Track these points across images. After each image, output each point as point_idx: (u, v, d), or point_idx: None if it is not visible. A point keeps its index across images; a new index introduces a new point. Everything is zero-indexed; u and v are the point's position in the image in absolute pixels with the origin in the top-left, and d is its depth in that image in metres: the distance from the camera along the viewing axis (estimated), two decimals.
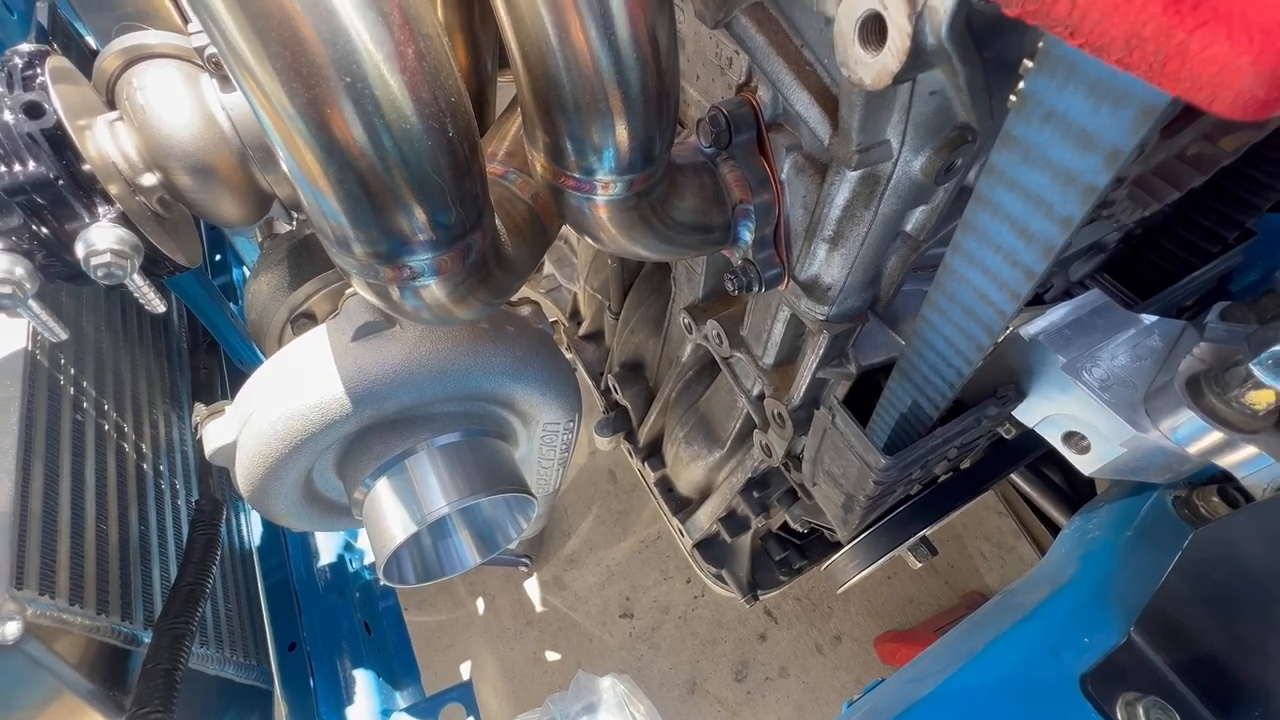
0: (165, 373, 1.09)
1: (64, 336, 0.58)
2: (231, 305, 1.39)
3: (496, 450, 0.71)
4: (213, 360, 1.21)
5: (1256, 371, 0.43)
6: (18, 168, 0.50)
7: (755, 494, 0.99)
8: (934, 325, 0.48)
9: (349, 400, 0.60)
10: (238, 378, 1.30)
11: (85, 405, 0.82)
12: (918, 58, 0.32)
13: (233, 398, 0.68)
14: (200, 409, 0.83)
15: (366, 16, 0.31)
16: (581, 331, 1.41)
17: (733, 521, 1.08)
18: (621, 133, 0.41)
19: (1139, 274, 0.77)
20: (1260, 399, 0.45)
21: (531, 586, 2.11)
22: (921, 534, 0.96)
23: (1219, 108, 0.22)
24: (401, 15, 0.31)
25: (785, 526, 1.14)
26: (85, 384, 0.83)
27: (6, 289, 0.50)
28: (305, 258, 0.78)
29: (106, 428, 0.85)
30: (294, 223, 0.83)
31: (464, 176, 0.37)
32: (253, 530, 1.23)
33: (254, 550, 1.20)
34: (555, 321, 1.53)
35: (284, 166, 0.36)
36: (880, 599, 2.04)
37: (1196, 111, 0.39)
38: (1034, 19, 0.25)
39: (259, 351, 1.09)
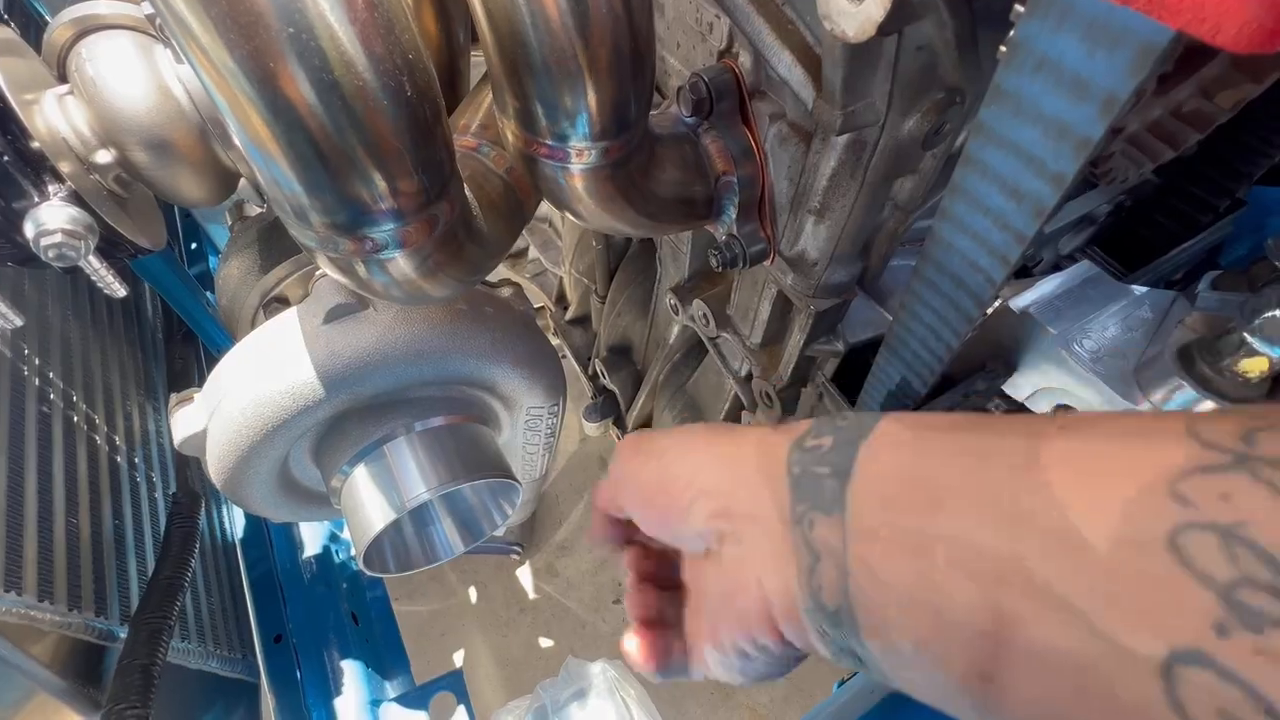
0: (139, 363, 1.07)
1: (19, 323, 0.55)
2: (208, 294, 1.35)
3: (479, 435, 0.70)
4: (189, 350, 1.18)
5: (1250, 338, 0.42)
6: None
7: None
8: (922, 298, 0.46)
9: (321, 384, 0.58)
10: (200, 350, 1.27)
11: (52, 396, 0.79)
12: (903, 7, 0.30)
13: (194, 372, 0.66)
14: (175, 399, 0.80)
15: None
16: (568, 316, 1.39)
17: None
18: (593, 95, 0.39)
19: (1129, 247, 0.76)
20: (1253, 366, 0.44)
21: (524, 574, 2.11)
22: None
23: (1223, 40, 0.20)
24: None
25: None
26: (52, 374, 0.80)
27: None
28: (276, 240, 0.75)
29: (76, 419, 0.83)
30: (264, 205, 0.80)
31: (426, 141, 0.35)
32: (235, 522, 1.21)
33: (236, 542, 1.18)
34: (541, 307, 1.51)
35: (232, 133, 0.34)
36: None
37: (1194, 63, 0.37)
38: None
39: (228, 326, 1.06)
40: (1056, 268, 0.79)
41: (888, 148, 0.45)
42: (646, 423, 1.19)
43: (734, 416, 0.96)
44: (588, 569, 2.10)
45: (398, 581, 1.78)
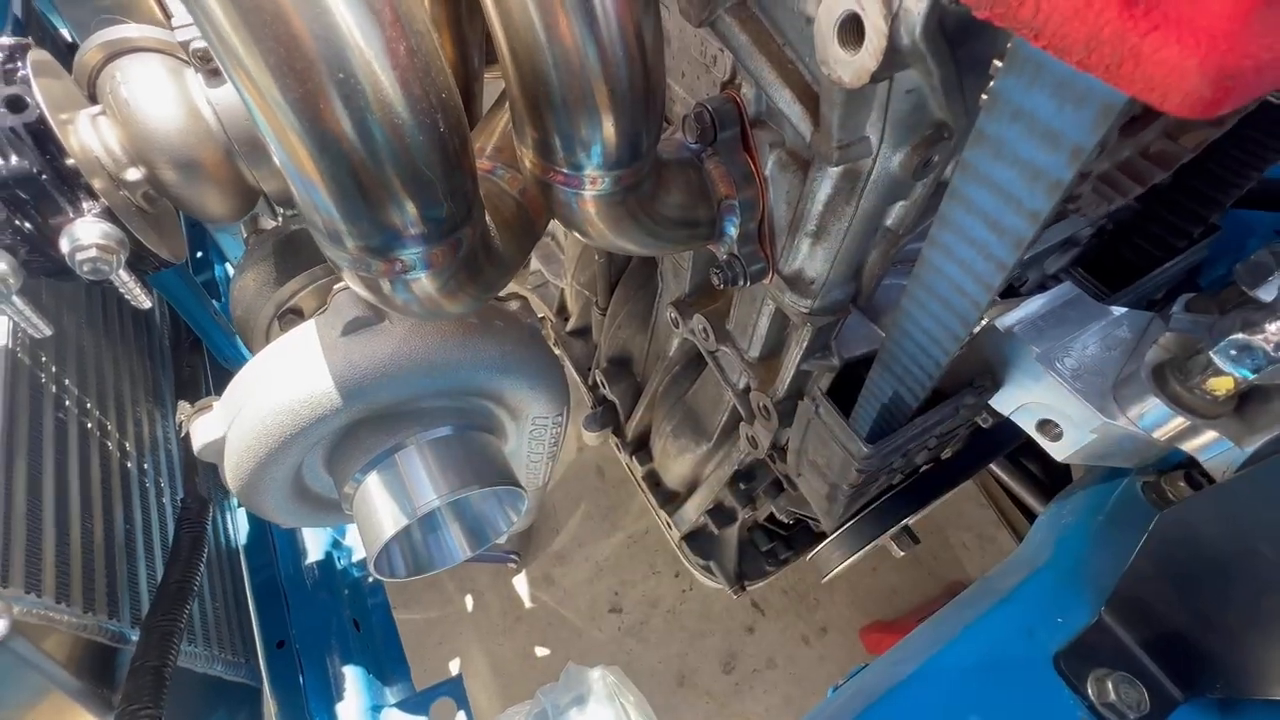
0: (148, 370, 1.08)
1: (48, 333, 0.58)
2: (214, 302, 1.37)
3: (486, 444, 0.72)
4: (196, 358, 1.20)
5: (1216, 359, 0.46)
6: (0, 162, 0.50)
7: (741, 486, 1.00)
8: (913, 317, 0.49)
9: (339, 394, 0.60)
10: (222, 375, 1.30)
11: (68, 403, 0.81)
12: (894, 57, 0.34)
13: (218, 395, 0.68)
14: (184, 406, 0.83)
15: (357, 13, 0.31)
16: (569, 327, 1.41)
17: (720, 513, 1.10)
18: (609, 129, 0.42)
19: (1111, 267, 0.80)
20: (1220, 385, 0.47)
21: (520, 583, 2.11)
22: (904, 523, 0.98)
23: (1170, 107, 0.23)
24: (392, 12, 0.32)
25: (771, 518, 1.16)
26: (67, 381, 0.82)
27: (10, 282, 0.50)
28: (291, 254, 0.78)
29: (90, 425, 0.84)
30: (279, 218, 0.82)
31: (455, 171, 0.38)
32: (239, 528, 1.23)
33: (240, 548, 1.20)
34: (543, 318, 1.53)
35: (277, 161, 0.36)
36: (865, 590, 2.07)
37: (1156, 110, 0.41)
38: (1001, 21, 0.27)
39: (244, 348, 1.08)
40: (1042, 287, 0.82)
41: (880, 178, 0.48)
42: (645, 433, 1.21)
43: (732, 427, 0.99)
44: (584, 578, 2.11)
45: (395, 589, 1.79)
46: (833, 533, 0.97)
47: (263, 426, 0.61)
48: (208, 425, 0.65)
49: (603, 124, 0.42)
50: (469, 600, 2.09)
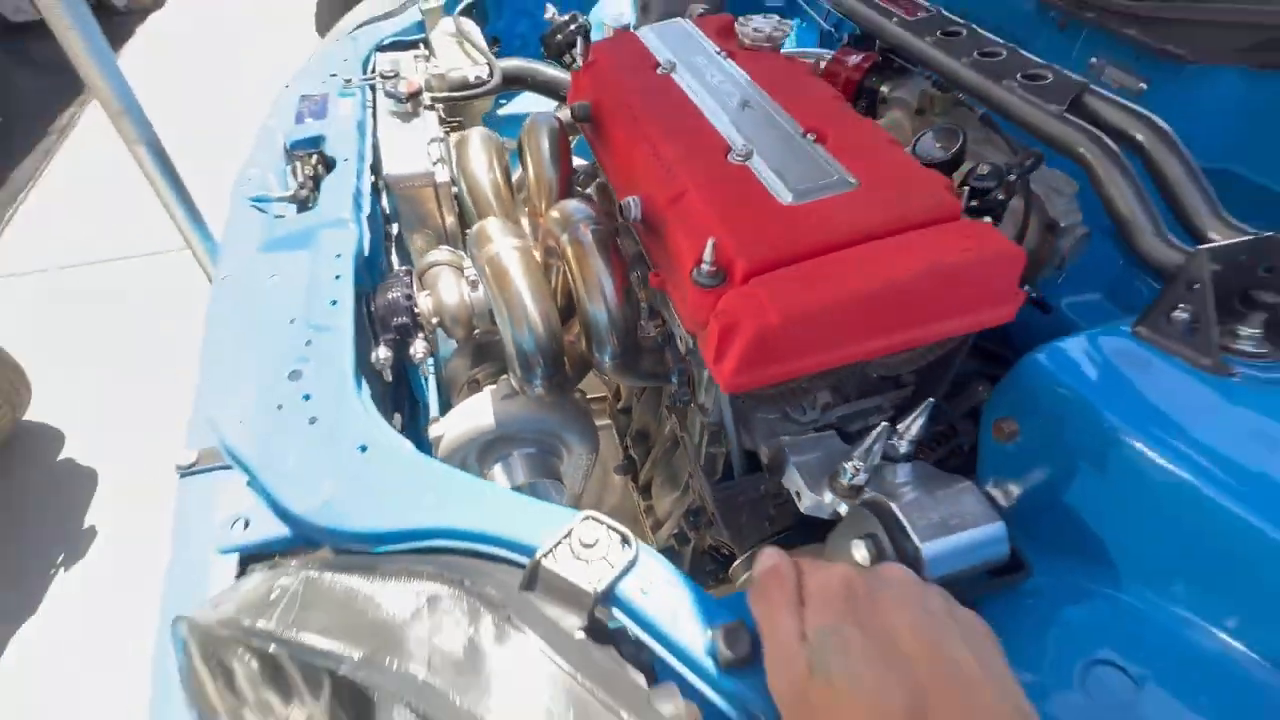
0: (380, 392, 1.96)
1: (390, 380, 1.41)
2: None
3: (551, 461, 1.48)
4: (402, 386, 2.08)
5: (840, 471, 1.11)
6: (400, 319, 1.34)
7: (691, 519, 1.68)
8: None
9: (495, 425, 1.38)
10: (411, 395, 2.17)
11: None
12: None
13: (405, 408, 1.48)
14: (396, 417, 1.63)
15: (533, 316, 1.11)
16: (619, 406, 2.17)
17: (680, 537, 1.76)
18: (615, 347, 1.18)
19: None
20: (847, 484, 1.12)
21: None
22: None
23: (722, 386, 0.94)
24: (543, 317, 1.11)
25: (713, 547, 1.81)
26: None
27: (388, 361, 1.34)
28: (480, 353, 1.61)
29: None
30: (477, 333, 1.66)
31: (560, 358, 1.15)
32: None
33: None
34: (603, 396, 2.30)
35: (506, 344, 1.16)
36: None
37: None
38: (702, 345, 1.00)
39: (423, 382, 1.91)
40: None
41: None
42: (650, 481, 1.92)
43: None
44: None
45: None
46: (740, 557, 1.61)
47: (460, 435, 1.40)
48: (435, 430, 1.45)
49: (610, 347, 1.18)
50: None
